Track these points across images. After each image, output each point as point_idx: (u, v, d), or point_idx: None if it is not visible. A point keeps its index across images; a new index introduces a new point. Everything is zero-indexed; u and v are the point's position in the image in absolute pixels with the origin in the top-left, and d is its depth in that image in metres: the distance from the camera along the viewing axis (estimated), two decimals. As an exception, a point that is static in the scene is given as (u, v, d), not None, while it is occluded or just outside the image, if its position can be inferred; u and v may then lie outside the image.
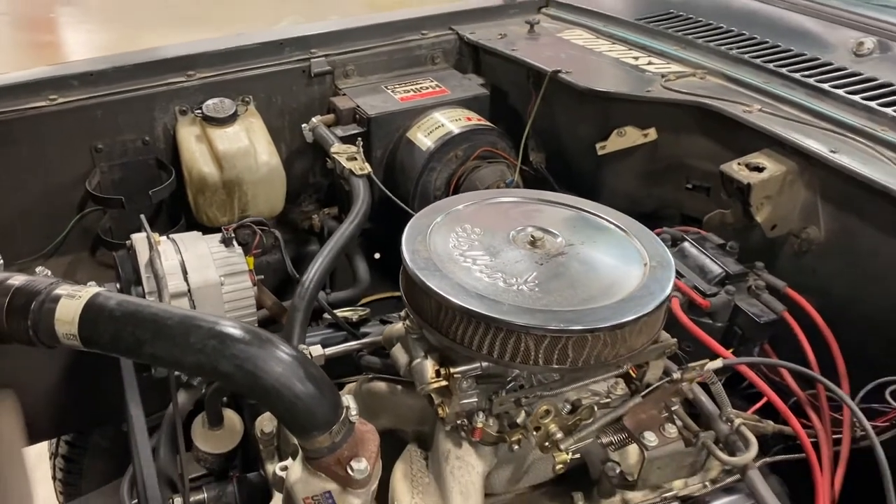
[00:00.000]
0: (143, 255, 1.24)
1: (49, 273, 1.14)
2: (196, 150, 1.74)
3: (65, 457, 2.10)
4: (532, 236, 1.10)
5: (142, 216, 1.32)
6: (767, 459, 1.18)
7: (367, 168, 1.62)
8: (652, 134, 1.60)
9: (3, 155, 1.66)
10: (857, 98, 1.40)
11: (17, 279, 1.09)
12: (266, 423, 1.25)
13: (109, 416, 1.82)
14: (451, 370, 1.02)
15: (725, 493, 1.15)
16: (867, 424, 1.09)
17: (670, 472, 1.10)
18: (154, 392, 1.37)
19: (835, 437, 1.17)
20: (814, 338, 1.26)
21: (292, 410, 0.97)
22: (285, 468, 1.11)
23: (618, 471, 1.13)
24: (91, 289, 1.05)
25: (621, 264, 1.07)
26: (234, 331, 0.97)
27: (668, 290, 1.03)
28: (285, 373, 0.95)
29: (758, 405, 1.20)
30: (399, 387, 1.20)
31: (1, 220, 1.70)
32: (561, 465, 1.06)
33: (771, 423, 1.16)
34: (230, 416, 1.36)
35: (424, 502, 1.07)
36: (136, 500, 1.22)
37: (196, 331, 0.98)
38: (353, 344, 1.26)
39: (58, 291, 1.06)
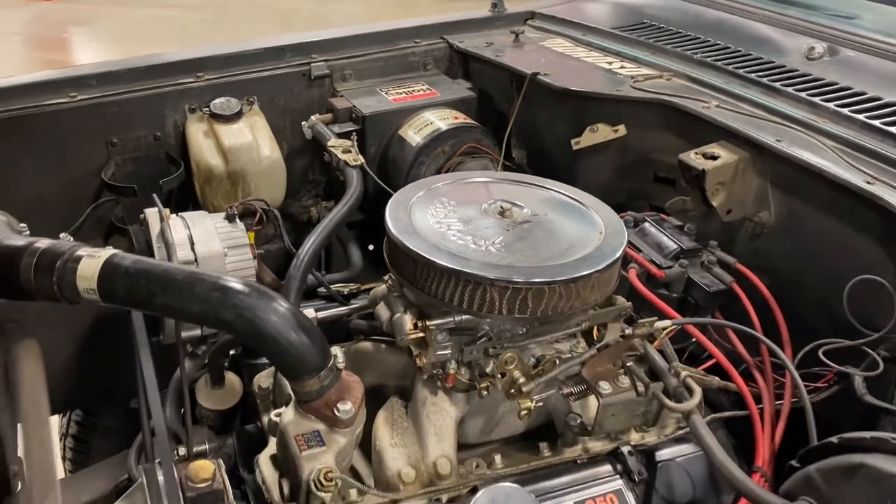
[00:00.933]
0: (154, 228, 1.38)
1: (71, 239, 1.28)
2: (204, 144, 1.88)
3: (74, 436, 2.22)
4: (501, 207, 1.24)
5: (154, 195, 1.46)
6: (715, 415, 1.31)
7: (361, 159, 1.76)
8: (622, 130, 1.74)
9: (26, 147, 1.81)
10: (803, 94, 1.55)
11: (43, 242, 1.24)
12: (263, 379, 1.38)
13: (119, 393, 1.96)
14: (428, 323, 1.16)
15: (676, 441, 1.27)
16: (798, 378, 1.22)
17: (623, 419, 1.22)
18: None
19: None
20: (762, 311, 1.39)
21: (286, 355, 1.10)
22: (279, 414, 1.24)
23: (578, 421, 1.26)
24: (108, 250, 1.19)
25: (579, 231, 1.21)
26: (235, 284, 1.11)
27: (619, 253, 1.16)
28: (280, 322, 1.09)
29: (706, 365, 1.32)
30: (383, 346, 1.33)
31: (23, 208, 1.84)
32: (525, 412, 1.19)
33: (717, 378, 1.28)
34: (231, 377, 1.49)
35: (403, 443, 1.20)
36: (141, 465, 1.34)
37: (201, 284, 1.12)
38: (342, 309, 1.40)
39: (79, 252, 1.20)
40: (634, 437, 1.28)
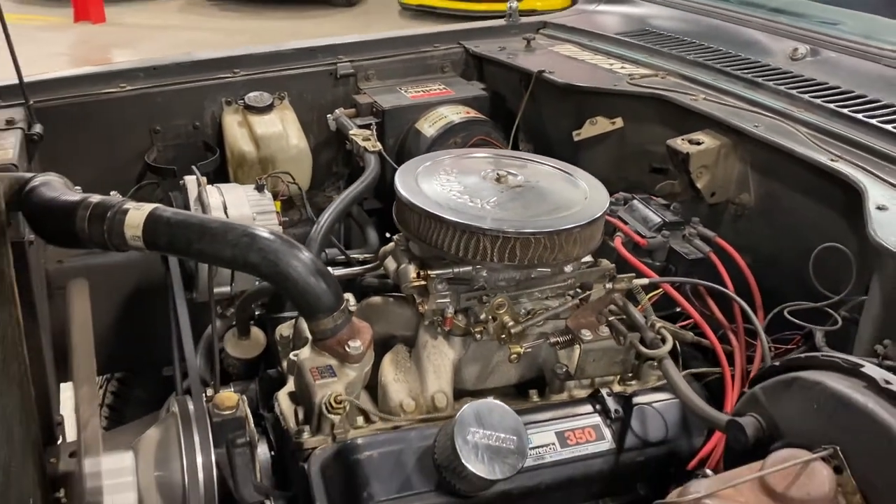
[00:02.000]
0: (192, 193, 1.56)
1: (119, 196, 1.45)
2: (238, 132, 2.07)
3: (109, 405, 2.39)
4: (497, 174, 1.39)
5: (192, 166, 1.64)
6: (689, 371, 1.43)
7: (379, 146, 1.93)
8: (619, 122, 1.89)
9: (79, 132, 2.01)
10: (782, 88, 1.69)
11: (95, 197, 1.42)
12: (284, 329, 1.54)
13: (153, 361, 2.13)
14: (429, 272, 1.31)
15: (653, 391, 1.40)
16: (763, 334, 1.34)
17: (603, 365, 1.35)
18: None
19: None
20: (739, 284, 1.52)
21: (304, 295, 1.26)
22: (297, 354, 1.39)
23: (564, 370, 1.40)
24: (152, 204, 1.37)
25: (566, 195, 1.36)
26: (262, 232, 1.28)
27: (600, 213, 1.31)
28: (301, 265, 1.25)
29: (682, 323, 1.46)
30: (391, 299, 1.48)
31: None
32: (515, 356, 1.34)
33: (690, 333, 1.42)
34: (255, 331, 1.65)
35: (405, 379, 1.35)
36: (173, 397, 1.49)
37: (232, 231, 1.29)
38: (356, 269, 1.56)
39: (127, 206, 1.37)
40: (616, 387, 1.42)
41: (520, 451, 1.09)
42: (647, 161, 1.90)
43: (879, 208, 1.25)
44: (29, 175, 1.52)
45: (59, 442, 1.97)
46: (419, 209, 1.28)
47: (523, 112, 2.07)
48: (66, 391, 2.06)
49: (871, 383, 0.91)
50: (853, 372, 0.94)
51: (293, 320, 1.54)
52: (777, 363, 1.05)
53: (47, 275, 1.99)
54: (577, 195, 1.37)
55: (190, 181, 1.58)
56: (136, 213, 1.35)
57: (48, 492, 1.77)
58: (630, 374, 1.43)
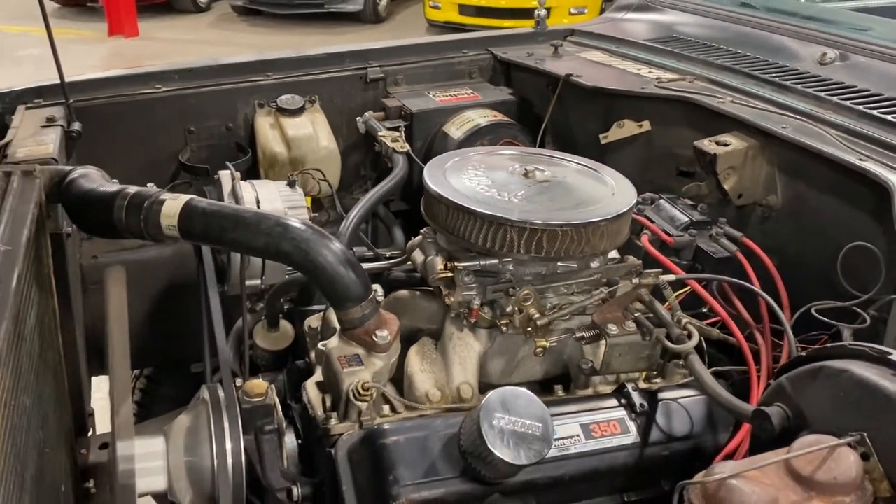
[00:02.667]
0: (226, 187, 1.59)
1: (155, 187, 1.49)
2: (270, 134, 2.11)
3: (137, 402, 2.43)
4: (525, 169, 1.41)
5: (227, 162, 1.68)
6: (715, 369, 1.43)
7: (407, 147, 1.96)
8: (646, 125, 1.90)
9: (115, 131, 2.06)
10: (810, 90, 1.69)
11: (133, 188, 1.46)
12: (313, 321, 1.56)
13: (182, 358, 2.17)
14: (456, 264, 1.33)
15: (679, 387, 1.40)
16: (790, 332, 1.34)
17: (629, 360, 1.36)
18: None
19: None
20: (766, 284, 1.51)
21: (334, 284, 1.28)
22: (325, 344, 1.42)
23: (590, 365, 1.40)
24: (188, 195, 1.40)
25: (593, 190, 1.38)
26: (294, 222, 1.31)
27: (627, 208, 1.32)
28: (331, 255, 1.27)
29: (708, 321, 1.46)
30: (418, 293, 1.50)
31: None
32: (540, 350, 1.35)
33: (716, 330, 1.42)
34: (284, 324, 1.67)
35: (431, 370, 1.36)
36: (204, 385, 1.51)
37: (266, 220, 1.32)
38: (383, 263, 1.58)
39: (163, 196, 1.41)
40: (642, 385, 1.42)
41: (545, 437, 1.10)
42: (674, 164, 1.91)
43: (910, 203, 1.25)
44: (68, 168, 1.57)
45: (89, 434, 2.01)
46: (447, 201, 1.30)
47: (550, 115, 2.09)
48: (98, 385, 2.11)
49: (892, 364, 0.91)
50: (881, 360, 0.94)
51: (321, 312, 1.57)
52: (803, 353, 1.05)
53: (82, 270, 2.04)
54: (604, 191, 1.39)
55: (224, 175, 1.61)
56: (173, 203, 1.38)
57: (78, 481, 1.80)
58: (655, 373, 1.44)
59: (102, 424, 2.04)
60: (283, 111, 2.13)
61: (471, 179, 1.39)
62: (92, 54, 9.08)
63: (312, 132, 2.11)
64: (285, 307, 1.73)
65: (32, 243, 1.34)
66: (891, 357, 0.93)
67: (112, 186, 1.48)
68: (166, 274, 2.09)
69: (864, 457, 0.90)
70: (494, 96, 2.24)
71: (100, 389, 2.10)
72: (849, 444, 0.89)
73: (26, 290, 1.29)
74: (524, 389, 1.14)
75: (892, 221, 1.26)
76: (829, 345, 1.02)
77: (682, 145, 1.88)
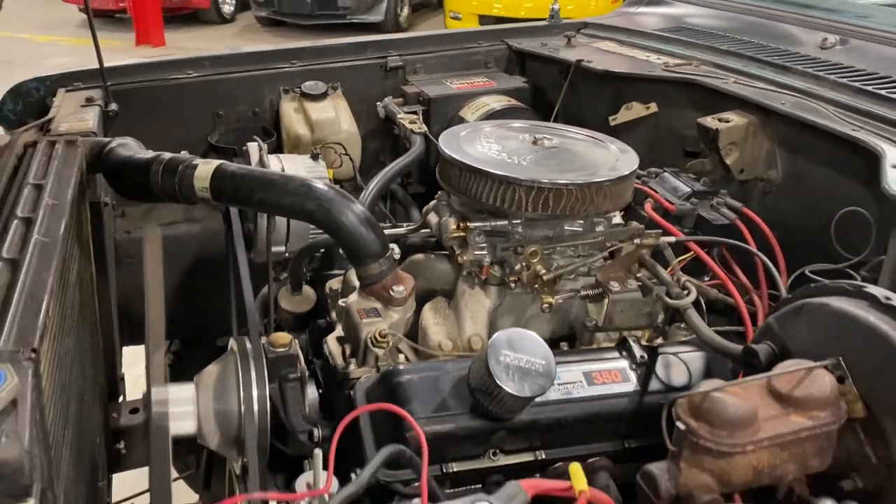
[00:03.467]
0: (254, 158, 1.70)
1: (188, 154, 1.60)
2: (294, 117, 2.22)
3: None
4: (534, 137, 1.50)
5: (254, 136, 1.78)
6: (716, 329, 1.50)
7: (424, 128, 2.06)
8: (653, 107, 1.98)
9: (149, 114, 2.17)
10: (809, 70, 1.77)
11: (168, 154, 1.57)
12: (334, 283, 1.65)
13: (209, 332, 2.27)
14: (468, 224, 1.42)
15: (678, 343, 1.47)
16: (785, 291, 1.41)
17: (630, 316, 1.44)
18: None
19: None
20: (765, 252, 1.58)
21: (355, 241, 1.38)
22: (345, 301, 1.51)
23: (593, 322, 1.48)
24: (218, 160, 1.51)
25: (598, 156, 1.46)
26: (318, 184, 1.41)
27: (627, 171, 1.40)
28: (352, 214, 1.37)
29: (709, 282, 1.53)
30: (433, 255, 1.59)
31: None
32: (547, 306, 1.43)
33: (715, 290, 1.49)
34: (307, 288, 1.77)
35: (444, 323, 1.45)
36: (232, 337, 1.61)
37: (291, 182, 1.42)
38: (401, 230, 1.67)
39: (196, 161, 1.52)
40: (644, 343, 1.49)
41: (548, 373, 1.18)
42: (680, 145, 1.99)
43: (895, 167, 1.32)
44: (107, 139, 1.68)
45: (120, 399, 2.11)
46: (460, 164, 1.40)
47: (562, 100, 2.18)
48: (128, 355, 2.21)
49: (873, 301, 0.99)
50: (857, 293, 1.01)
51: (342, 276, 1.66)
52: (788, 296, 1.13)
53: (116, 244, 2.15)
54: (608, 157, 1.47)
55: (252, 147, 1.72)
56: (205, 167, 1.49)
57: (110, 441, 1.90)
58: (658, 336, 1.51)
59: (132, 392, 2.15)
60: (306, 96, 2.23)
61: (483, 146, 1.48)
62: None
63: (335, 116, 2.21)
64: (308, 275, 1.83)
65: (75, 204, 1.45)
66: (866, 290, 1.00)
67: (148, 153, 1.59)
68: (194, 250, 2.20)
69: (840, 380, 0.97)
70: (509, 84, 2.33)
71: (130, 359, 2.21)
72: (825, 367, 0.97)
73: (70, 243, 1.40)
74: (530, 332, 1.22)
75: (882, 185, 1.33)
76: (811, 285, 1.09)
77: (687, 126, 1.96)
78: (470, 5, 9.46)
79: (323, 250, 1.79)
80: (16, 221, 1.26)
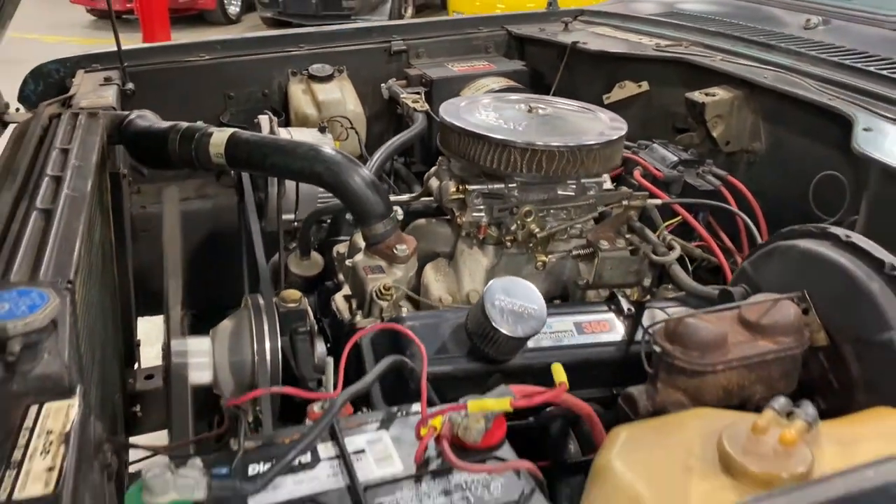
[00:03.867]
0: (265, 129, 1.79)
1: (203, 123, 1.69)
2: (302, 98, 2.31)
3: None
4: (530, 105, 1.60)
5: (265, 110, 1.88)
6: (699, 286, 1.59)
7: (426, 106, 2.15)
8: (645, 85, 2.08)
9: (163, 94, 2.27)
10: (792, 48, 1.86)
11: (184, 124, 1.66)
12: (340, 247, 1.75)
13: (222, 303, 2.36)
14: (467, 187, 1.51)
15: (665, 300, 1.56)
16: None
17: (619, 273, 1.53)
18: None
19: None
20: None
21: (360, 202, 1.47)
22: (352, 260, 1.60)
23: (584, 281, 1.58)
24: (232, 128, 1.60)
25: (588, 123, 1.56)
26: (326, 149, 1.50)
27: (616, 136, 1.50)
28: (358, 177, 1.47)
29: (695, 244, 1.62)
30: (434, 220, 1.69)
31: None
32: (541, 264, 1.52)
33: (699, 250, 1.58)
34: (315, 254, 1.86)
35: (445, 280, 1.55)
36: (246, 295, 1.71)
37: (301, 147, 1.51)
38: (404, 197, 1.76)
39: (211, 129, 1.61)
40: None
41: (539, 317, 1.27)
42: (670, 122, 2.08)
43: (866, 129, 1.42)
44: (126, 112, 1.78)
45: (136, 367, 2.21)
46: (460, 129, 1.49)
47: (559, 81, 2.27)
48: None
49: (835, 240, 1.08)
50: (822, 234, 1.11)
51: (348, 241, 1.76)
52: (763, 242, 1.22)
53: (132, 219, 2.25)
54: (599, 124, 1.57)
55: (263, 119, 1.82)
56: (220, 135, 1.59)
57: (127, 403, 2.00)
58: (645, 296, 1.60)
59: (147, 360, 2.25)
60: (314, 78, 2.33)
61: (481, 114, 1.58)
62: (128, 61, 9.39)
63: (341, 97, 2.31)
64: (315, 244, 1.92)
65: (97, 171, 1.55)
66: (829, 230, 1.09)
67: (166, 123, 1.69)
68: (206, 225, 2.30)
69: (805, 311, 1.06)
70: (508, 66, 2.43)
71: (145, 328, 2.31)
72: (791, 299, 1.06)
73: (95, 204, 1.50)
74: (523, 280, 1.32)
75: (852, 145, 1.42)
76: (783, 230, 1.18)
77: (677, 104, 2.05)
78: (473, 6, 9.58)
79: (330, 220, 1.89)
80: (46, 179, 1.36)
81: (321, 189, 1.89)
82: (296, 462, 0.81)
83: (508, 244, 1.53)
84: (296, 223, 1.87)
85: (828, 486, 0.56)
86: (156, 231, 2.23)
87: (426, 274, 1.57)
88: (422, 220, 1.71)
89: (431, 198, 1.72)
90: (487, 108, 1.62)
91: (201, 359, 1.55)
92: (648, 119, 2.12)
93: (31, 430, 0.78)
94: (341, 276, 1.70)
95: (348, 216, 1.79)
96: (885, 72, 1.65)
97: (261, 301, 1.52)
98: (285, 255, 1.91)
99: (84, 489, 0.79)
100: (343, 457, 0.82)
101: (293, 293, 1.51)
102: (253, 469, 0.80)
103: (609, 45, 2.21)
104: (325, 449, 0.84)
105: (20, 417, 0.80)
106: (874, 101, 1.57)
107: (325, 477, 0.80)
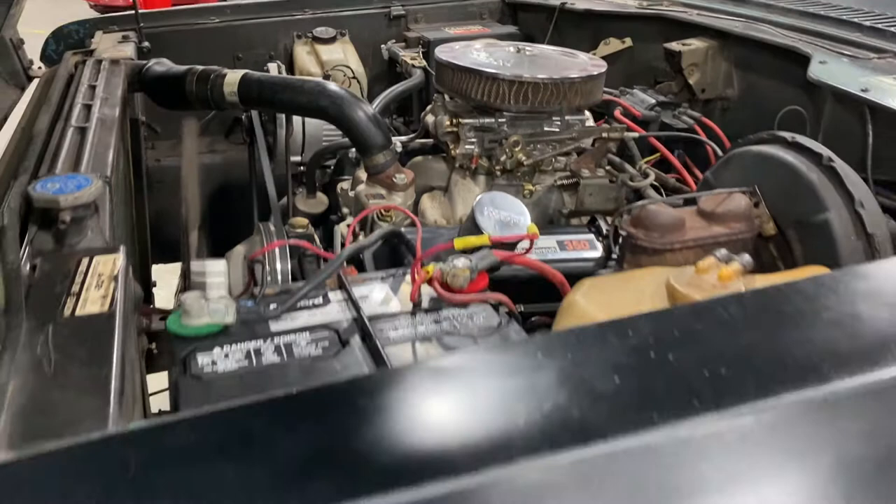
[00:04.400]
0: (273, 74, 1.94)
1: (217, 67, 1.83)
2: (306, 58, 2.46)
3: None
4: (517, 47, 1.74)
5: (275, 59, 2.02)
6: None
7: (424, 63, 2.29)
8: (628, 41, 2.22)
9: (176, 55, 2.40)
10: (762, 0, 2.00)
11: (200, 66, 1.80)
12: (344, 184, 1.89)
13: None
14: (460, 121, 1.66)
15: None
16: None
17: (599, 199, 1.67)
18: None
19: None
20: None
21: (363, 134, 1.61)
22: (355, 192, 1.74)
23: (568, 209, 1.72)
24: (244, 70, 1.74)
25: (571, 62, 1.70)
26: (331, 84, 1.64)
27: (597, 73, 1.64)
28: (361, 111, 1.61)
29: (671, 176, 1.76)
30: (430, 157, 1.83)
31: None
32: (528, 192, 1.67)
33: (673, 179, 1.73)
34: (320, 194, 2.01)
35: (440, 207, 1.69)
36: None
37: (308, 83, 1.66)
38: (401, 138, 1.91)
39: (225, 71, 1.75)
40: (614, 228, 1.73)
41: (525, 226, 1.41)
42: (652, 76, 2.22)
43: (821, 63, 1.56)
44: (145, 61, 1.92)
45: (151, 306, 2.34)
46: (454, 65, 1.63)
47: (548, 40, 2.41)
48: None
49: (783, 142, 1.22)
50: (772, 139, 1.25)
51: (351, 179, 1.90)
52: (721, 153, 1.36)
53: (147, 171, 2.39)
54: (581, 63, 1.71)
55: (272, 66, 1.96)
56: (233, 75, 1.73)
57: (144, 340, 2.14)
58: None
59: (162, 302, 2.39)
60: (317, 40, 2.47)
61: (473, 55, 1.72)
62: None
63: (343, 57, 2.45)
64: (320, 186, 2.06)
65: (122, 110, 1.69)
66: (778, 135, 1.24)
67: (183, 67, 1.83)
68: (217, 179, 2.44)
69: (756, 204, 1.21)
70: (502, 30, 2.57)
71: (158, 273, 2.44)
72: (743, 192, 1.20)
73: (120, 130, 1.64)
74: (509, 195, 1.46)
75: (807, 75, 1.56)
76: (740, 140, 1.32)
77: (658, 58, 2.19)
78: None
79: (334, 163, 2.03)
80: (78, 105, 1.50)
81: (325, 132, 2.04)
82: (309, 302, 0.95)
83: (498, 173, 1.67)
84: (301, 167, 2.01)
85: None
86: (170, 183, 2.38)
87: (423, 202, 1.71)
88: (419, 158, 1.85)
89: (428, 140, 1.86)
90: (479, 51, 1.76)
91: (217, 279, 1.69)
92: (632, 74, 2.26)
93: (86, 273, 0.92)
94: (345, 210, 1.84)
95: (351, 154, 1.93)
96: (843, 17, 1.79)
97: (272, 227, 1.66)
98: (292, 196, 2.05)
99: (130, 327, 0.93)
100: (350, 298, 0.96)
101: (301, 220, 1.65)
102: (272, 308, 0.95)
103: (595, 4, 2.35)
104: (334, 294, 0.99)
105: (75, 266, 0.94)
106: (832, 43, 1.71)
107: (335, 312, 0.94)
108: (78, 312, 0.84)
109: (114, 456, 0.48)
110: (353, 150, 1.84)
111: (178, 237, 2.20)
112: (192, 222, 1.72)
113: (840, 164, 1.13)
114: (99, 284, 0.90)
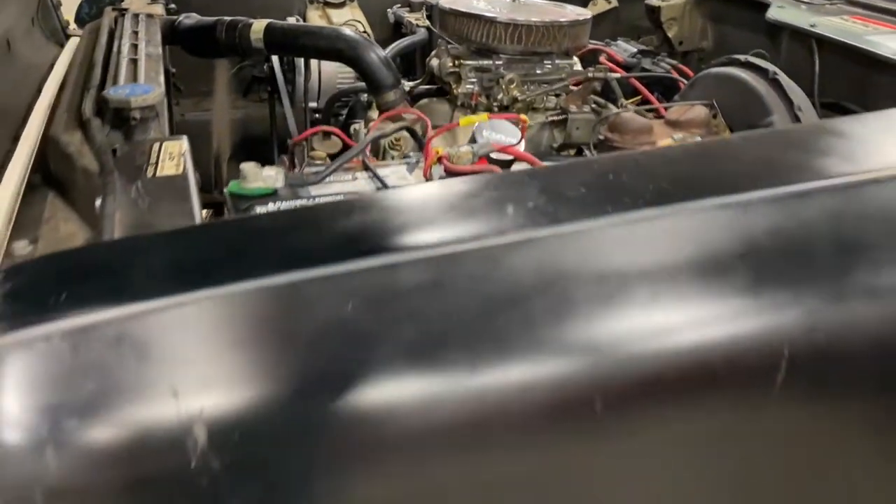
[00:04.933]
0: (292, 28, 2.14)
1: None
2: (319, 22, 2.66)
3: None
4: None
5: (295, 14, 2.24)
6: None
7: (427, 23, 2.50)
8: (614, 2, 2.43)
9: (198, 19, 2.62)
10: (734, -40, 2.22)
11: (228, 17, 2.01)
12: (356, 125, 2.10)
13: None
14: (462, 62, 1.87)
15: (623, 157, 1.92)
16: (704, 109, 1.86)
17: (585, 133, 1.88)
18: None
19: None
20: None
21: (375, 73, 1.82)
22: (367, 129, 1.95)
23: (557, 143, 1.93)
24: (269, 20, 1.95)
25: (561, 10, 1.91)
26: (348, 30, 1.85)
27: (584, 18, 1.85)
28: (373, 53, 1.82)
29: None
30: (435, 99, 2.04)
31: (191, 66, 2.66)
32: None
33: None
34: (335, 137, 2.21)
35: (444, 144, 1.90)
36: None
37: (326, 29, 1.88)
38: (409, 84, 2.12)
39: (251, 20, 1.96)
40: (598, 159, 1.94)
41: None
42: (636, 35, 2.43)
43: (779, 7, 1.77)
44: (176, 16, 2.13)
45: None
46: (456, 11, 1.84)
47: (542, 4, 2.62)
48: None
49: (738, 63, 1.43)
50: (729, 62, 1.46)
51: (362, 122, 2.11)
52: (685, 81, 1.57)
53: (174, 126, 2.59)
54: (570, 12, 1.92)
55: (291, 20, 2.17)
56: (259, 24, 1.94)
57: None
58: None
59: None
60: (329, 4, 2.68)
61: (473, 4, 1.93)
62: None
63: (353, 19, 2.66)
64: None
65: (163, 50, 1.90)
66: (735, 58, 1.45)
67: (212, 18, 2.04)
68: (238, 134, 2.65)
69: (714, 116, 1.42)
70: (498, -4, 2.78)
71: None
72: (703, 104, 1.41)
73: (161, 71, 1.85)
74: (505, 121, 1.67)
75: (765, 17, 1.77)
76: (713, 61, 1.53)
77: (641, 18, 2.40)
78: None
79: (347, 108, 2.24)
80: (127, 45, 1.71)
81: (339, 78, 2.25)
82: (342, 178, 1.16)
83: (496, 110, 1.88)
84: (317, 115, 2.22)
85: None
86: (192, 138, 2.58)
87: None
88: (424, 100, 2.06)
89: (432, 85, 2.07)
90: (478, 2, 1.97)
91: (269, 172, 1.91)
92: (617, 33, 2.47)
93: (159, 152, 1.13)
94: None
95: (363, 98, 2.14)
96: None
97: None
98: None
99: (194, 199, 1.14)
100: (374, 175, 1.18)
101: (320, 153, 1.86)
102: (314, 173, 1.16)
103: (584, -31, 2.56)
104: (361, 174, 1.20)
105: (149, 148, 1.15)
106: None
107: (362, 185, 1.16)
108: (158, 174, 1.05)
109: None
110: (365, 95, 2.05)
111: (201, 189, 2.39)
112: (223, 154, 1.94)
113: (783, 77, 1.35)
114: (171, 157, 1.11)
